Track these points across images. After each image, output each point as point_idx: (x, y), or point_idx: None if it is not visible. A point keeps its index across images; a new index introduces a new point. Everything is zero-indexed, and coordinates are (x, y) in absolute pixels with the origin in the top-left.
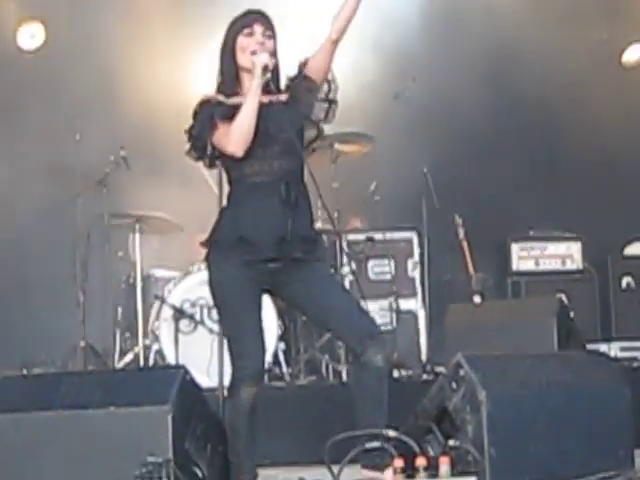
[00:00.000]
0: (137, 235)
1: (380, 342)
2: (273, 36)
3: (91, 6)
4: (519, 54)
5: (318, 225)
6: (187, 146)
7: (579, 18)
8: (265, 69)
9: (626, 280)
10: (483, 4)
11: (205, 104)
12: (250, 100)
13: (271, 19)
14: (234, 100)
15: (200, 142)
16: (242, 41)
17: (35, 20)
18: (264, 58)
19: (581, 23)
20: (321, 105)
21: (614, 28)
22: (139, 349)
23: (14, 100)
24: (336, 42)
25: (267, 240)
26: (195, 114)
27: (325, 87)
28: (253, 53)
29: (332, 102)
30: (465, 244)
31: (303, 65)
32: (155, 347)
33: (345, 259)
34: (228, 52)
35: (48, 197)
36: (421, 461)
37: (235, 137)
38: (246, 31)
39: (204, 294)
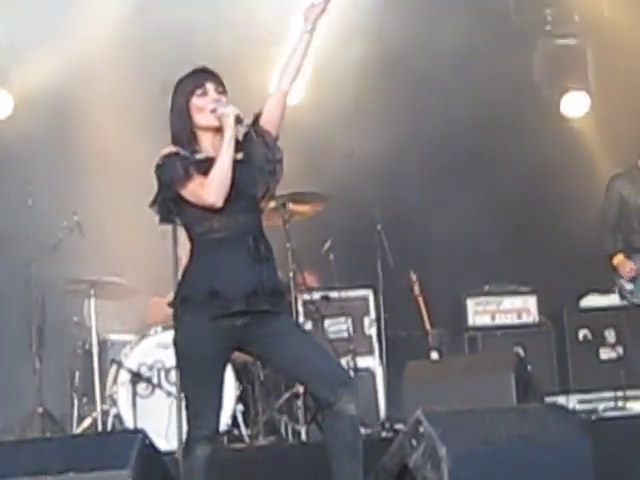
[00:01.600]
0: (92, 300)
1: (353, 389)
2: (225, 91)
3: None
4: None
5: None
6: (152, 197)
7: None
8: (238, 119)
9: (582, 332)
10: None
11: (172, 156)
12: (226, 151)
13: (218, 74)
14: (199, 156)
15: (169, 191)
16: (197, 102)
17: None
18: (233, 109)
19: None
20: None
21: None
22: (97, 414)
23: None
24: (287, 93)
25: (239, 293)
26: (160, 165)
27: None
28: (213, 111)
29: (279, 161)
30: (421, 300)
31: (257, 118)
32: (113, 411)
33: (301, 319)
34: (181, 114)
35: (3, 264)
36: None
37: (215, 187)
38: (199, 92)
39: (161, 357)
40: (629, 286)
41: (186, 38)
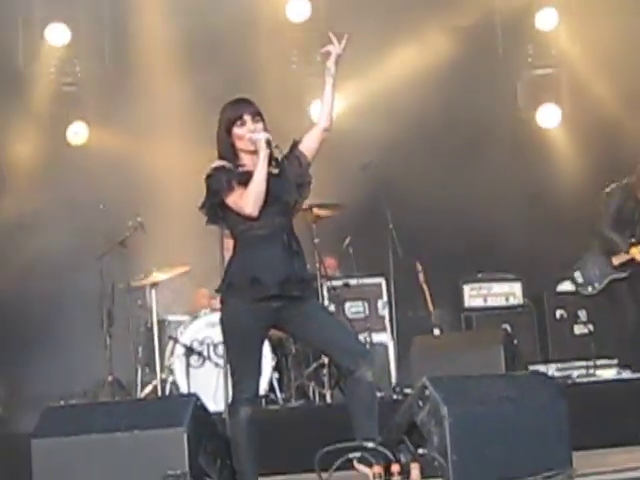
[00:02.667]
0: (153, 289)
1: (370, 360)
2: (261, 117)
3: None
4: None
5: None
6: (201, 201)
7: None
8: (268, 143)
9: (559, 312)
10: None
11: (220, 169)
12: (261, 169)
13: (255, 103)
14: (241, 170)
15: (215, 198)
16: (237, 131)
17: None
18: (264, 135)
19: None
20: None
21: None
22: (157, 382)
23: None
24: (327, 130)
25: (275, 281)
26: (209, 176)
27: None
28: (249, 139)
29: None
30: (425, 286)
31: (296, 145)
32: (170, 379)
33: (326, 302)
34: (225, 139)
35: (80, 257)
36: (395, 467)
37: (252, 200)
38: (239, 122)
39: (210, 334)
40: (580, 279)
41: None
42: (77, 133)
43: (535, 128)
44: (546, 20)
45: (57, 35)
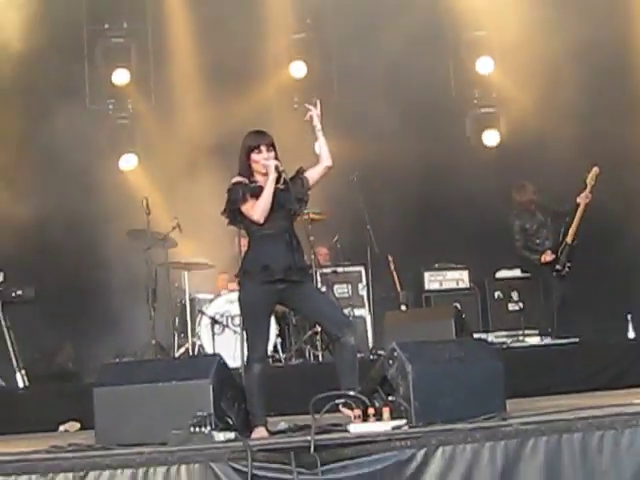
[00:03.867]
0: (186, 272)
1: (353, 328)
2: (274, 147)
3: None
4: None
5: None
6: (223, 208)
7: None
8: (277, 168)
9: (497, 293)
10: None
11: (237, 184)
12: (269, 188)
13: (270, 136)
14: (254, 185)
15: (234, 206)
16: (254, 157)
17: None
18: (274, 162)
19: None
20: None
21: None
22: (189, 345)
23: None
24: (330, 167)
25: (280, 268)
26: (230, 189)
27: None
28: (263, 165)
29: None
30: (394, 273)
31: (300, 171)
32: (198, 343)
33: (319, 284)
34: (245, 161)
35: (132, 249)
36: (371, 410)
37: (260, 210)
38: (256, 150)
39: (229, 309)
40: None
41: None
42: (128, 161)
43: (480, 151)
44: (485, 66)
45: (120, 78)
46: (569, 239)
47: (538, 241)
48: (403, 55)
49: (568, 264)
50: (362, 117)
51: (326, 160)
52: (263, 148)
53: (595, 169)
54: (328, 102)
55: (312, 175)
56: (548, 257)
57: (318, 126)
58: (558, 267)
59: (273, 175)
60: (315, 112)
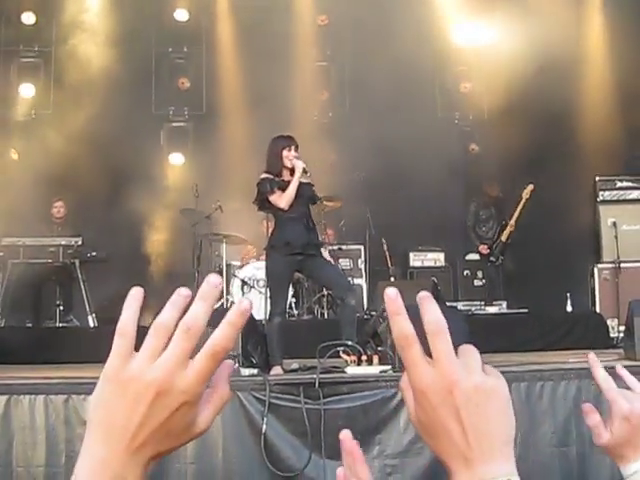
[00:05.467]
0: (224, 244)
1: (353, 292)
2: (297, 148)
3: None
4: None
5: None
6: (254, 197)
7: None
8: (304, 169)
9: (466, 272)
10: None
11: (265, 179)
12: (294, 183)
13: (293, 138)
14: (281, 179)
15: (262, 196)
16: (286, 153)
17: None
18: (301, 163)
19: None
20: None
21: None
22: (224, 300)
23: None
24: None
25: (299, 244)
26: (259, 183)
27: None
28: (293, 161)
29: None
30: (387, 253)
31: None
32: (231, 299)
33: (328, 258)
34: (276, 158)
35: (183, 225)
36: (364, 357)
37: (286, 200)
38: (287, 149)
39: (256, 274)
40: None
41: None
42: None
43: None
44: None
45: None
46: (504, 238)
47: (484, 229)
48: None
49: (501, 257)
50: (369, 131)
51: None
52: (293, 147)
53: (531, 186)
54: (342, 114)
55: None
56: (484, 251)
57: (297, 171)
58: (492, 259)
59: (300, 173)
60: (296, 164)
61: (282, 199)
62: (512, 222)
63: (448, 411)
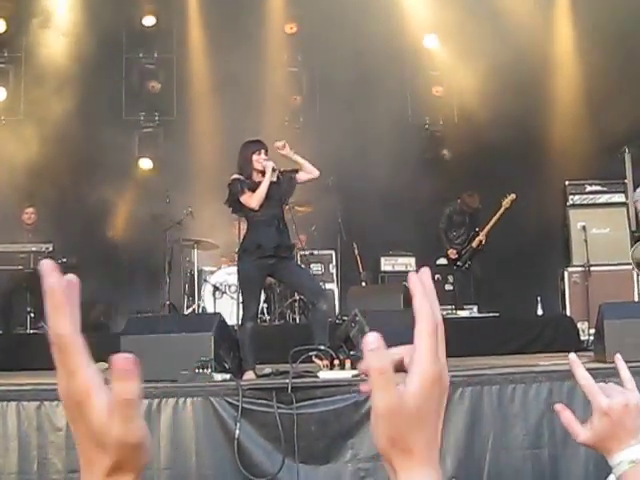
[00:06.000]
0: (195, 249)
1: (325, 297)
2: (267, 152)
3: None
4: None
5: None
6: (225, 199)
7: None
8: (273, 169)
9: (437, 276)
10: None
11: (236, 180)
12: (265, 183)
13: (263, 142)
14: (250, 181)
15: (233, 197)
16: (255, 157)
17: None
18: (270, 163)
19: None
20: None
21: None
22: (195, 306)
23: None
24: (316, 177)
25: (270, 246)
26: (230, 183)
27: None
28: (262, 164)
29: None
30: (358, 257)
31: (295, 172)
32: (203, 305)
33: (300, 263)
34: (246, 161)
35: (154, 230)
36: (336, 361)
37: (257, 200)
38: (257, 153)
39: (227, 279)
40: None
41: None
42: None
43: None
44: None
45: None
46: (474, 244)
47: (455, 233)
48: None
49: (468, 262)
50: (340, 136)
51: (313, 172)
52: (262, 151)
53: (513, 195)
54: (313, 119)
55: (301, 177)
56: (452, 255)
57: (292, 156)
58: (459, 264)
59: (270, 173)
60: (284, 151)
61: (253, 199)
62: (484, 232)
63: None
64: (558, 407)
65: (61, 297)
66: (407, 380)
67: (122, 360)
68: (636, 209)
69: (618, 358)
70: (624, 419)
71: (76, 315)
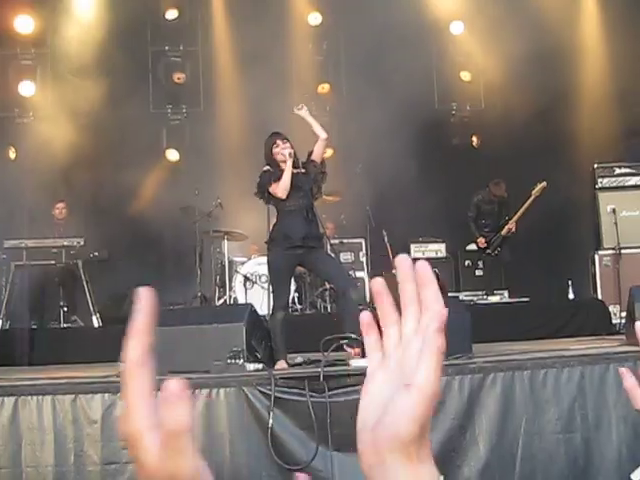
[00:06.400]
0: (225, 240)
1: (354, 285)
2: (287, 139)
3: None
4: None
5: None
6: (255, 190)
7: None
8: (290, 155)
9: (467, 262)
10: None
11: (265, 172)
12: (287, 170)
13: (284, 134)
14: (277, 171)
15: (262, 188)
16: (275, 149)
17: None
18: (287, 151)
19: None
20: (319, 175)
21: None
22: (227, 296)
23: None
24: (326, 139)
25: (299, 237)
26: (260, 175)
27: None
28: (280, 154)
29: (324, 173)
30: (388, 245)
31: (309, 154)
32: (234, 295)
33: (330, 252)
34: (269, 154)
35: (184, 222)
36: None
37: (282, 189)
38: (274, 145)
39: (258, 269)
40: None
41: None
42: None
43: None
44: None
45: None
46: (503, 232)
47: (484, 222)
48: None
49: (498, 249)
50: (367, 125)
51: (321, 134)
52: (279, 142)
53: (544, 183)
54: (340, 108)
55: (317, 153)
56: (481, 244)
57: (306, 117)
58: (489, 251)
59: (289, 160)
60: (302, 112)
61: (279, 188)
62: (513, 220)
63: None
64: (623, 371)
65: (143, 323)
66: (401, 401)
67: (173, 385)
68: None
69: None
70: None
71: (148, 345)
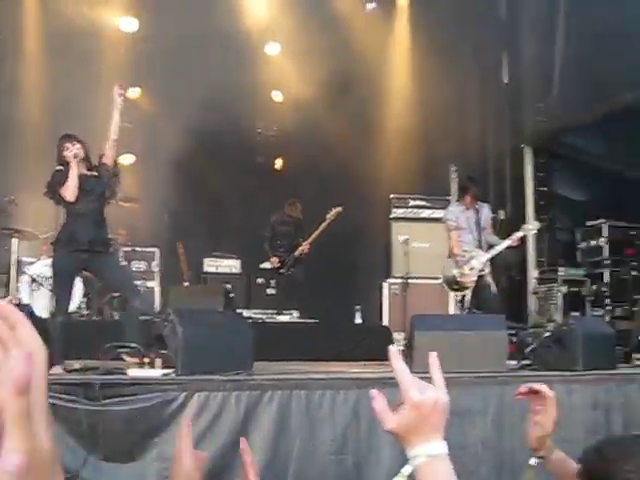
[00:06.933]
0: (16, 239)
1: (138, 294)
2: (79, 142)
3: None
4: None
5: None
6: (45, 191)
7: None
8: (76, 157)
9: (260, 280)
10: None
11: (57, 171)
12: (71, 172)
13: (76, 135)
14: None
15: (52, 189)
16: (65, 153)
17: None
18: (72, 153)
19: None
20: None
21: None
22: (12, 297)
23: None
24: (115, 140)
25: (85, 240)
26: (52, 175)
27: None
28: (66, 157)
29: (116, 176)
30: (182, 257)
31: (101, 157)
32: (19, 296)
33: (121, 259)
34: (60, 156)
35: None
36: (147, 359)
37: (69, 192)
38: (64, 148)
39: (45, 271)
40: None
41: None
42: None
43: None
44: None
45: None
46: (296, 253)
47: (279, 242)
48: None
49: (291, 269)
50: (178, 130)
51: (113, 134)
52: (68, 145)
53: (339, 208)
54: (144, 116)
55: (107, 155)
56: (275, 264)
57: (117, 105)
58: (282, 271)
59: (73, 162)
60: (118, 101)
61: (67, 191)
62: (307, 242)
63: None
64: (373, 393)
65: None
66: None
67: None
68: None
69: (433, 356)
70: (432, 414)
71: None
